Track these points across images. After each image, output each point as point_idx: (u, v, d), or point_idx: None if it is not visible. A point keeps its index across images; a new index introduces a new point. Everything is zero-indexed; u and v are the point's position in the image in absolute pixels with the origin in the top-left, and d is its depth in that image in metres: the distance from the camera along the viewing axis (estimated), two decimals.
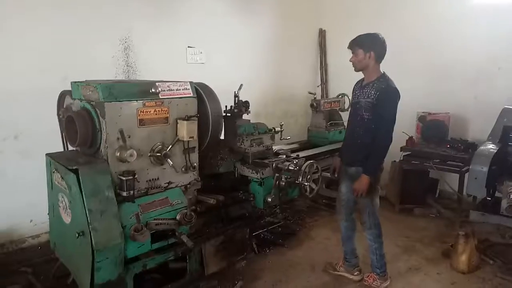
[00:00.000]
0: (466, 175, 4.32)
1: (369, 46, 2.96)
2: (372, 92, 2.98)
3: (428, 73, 5.37)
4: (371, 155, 3.02)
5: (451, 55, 5.14)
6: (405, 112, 5.31)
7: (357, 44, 3.01)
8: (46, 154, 2.94)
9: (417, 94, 5.38)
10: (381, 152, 3.01)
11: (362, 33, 3.03)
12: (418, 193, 4.99)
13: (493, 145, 4.25)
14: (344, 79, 4.00)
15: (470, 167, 4.10)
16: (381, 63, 3.04)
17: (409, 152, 4.89)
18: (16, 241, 3.71)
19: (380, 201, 5.11)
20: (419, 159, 4.73)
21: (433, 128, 5.01)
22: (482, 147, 4.25)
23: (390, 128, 2.95)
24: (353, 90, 3.24)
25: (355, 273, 3.38)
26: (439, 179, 5.07)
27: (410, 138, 4.95)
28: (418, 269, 3.56)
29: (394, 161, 5.10)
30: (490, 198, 4.16)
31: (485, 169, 3.89)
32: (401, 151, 4.88)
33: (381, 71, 3.05)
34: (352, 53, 3.04)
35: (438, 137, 4.96)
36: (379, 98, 2.94)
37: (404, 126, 5.12)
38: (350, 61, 3.06)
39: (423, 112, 5.14)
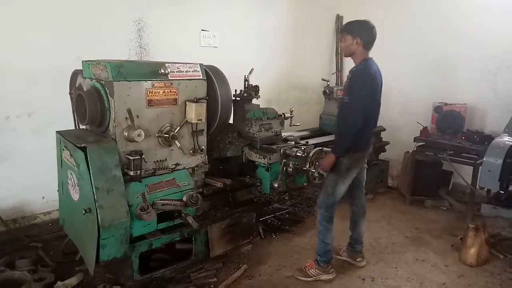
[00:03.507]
0: (480, 168, 4.22)
1: (357, 32, 2.95)
2: (349, 74, 3.04)
3: (446, 63, 5.23)
4: (335, 134, 3.08)
5: (470, 46, 5.00)
6: (421, 103, 5.34)
7: (346, 30, 3.07)
8: (56, 132, 2.99)
9: (434, 85, 5.29)
10: (342, 131, 3.01)
11: (353, 20, 3.05)
12: (430, 185, 4.91)
13: (509, 137, 4.12)
14: None
15: (484, 159, 3.98)
16: (370, 50, 3.02)
17: (423, 143, 4.79)
18: (28, 217, 3.79)
19: (391, 192, 5.24)
20: (432, 150, 4.63)
21: (448, 119, 4.88)
22: (497, 139, 4.12)
23: (353, 108, 2.89)
24: None
25: (358, 259, 3.37)
26: (452, 171, 4.97)
27: (425, 128, 4.85)
28: (425, 260, 3.52)
29: (407, 151, 5.02)
30: (503, 192, 4.05)
31: (499, 161, 3.78)
32: (414, 141, 4.80)
33: (368, 57, 3.02)
34: (342, 38, 3.08)
35: (454, 129, 4.84)
36: (350, 79, 2.98)
37: (420, 117, 5.08)
38: (340, 46, 3.09)
39: (439, 103, 5.02)
